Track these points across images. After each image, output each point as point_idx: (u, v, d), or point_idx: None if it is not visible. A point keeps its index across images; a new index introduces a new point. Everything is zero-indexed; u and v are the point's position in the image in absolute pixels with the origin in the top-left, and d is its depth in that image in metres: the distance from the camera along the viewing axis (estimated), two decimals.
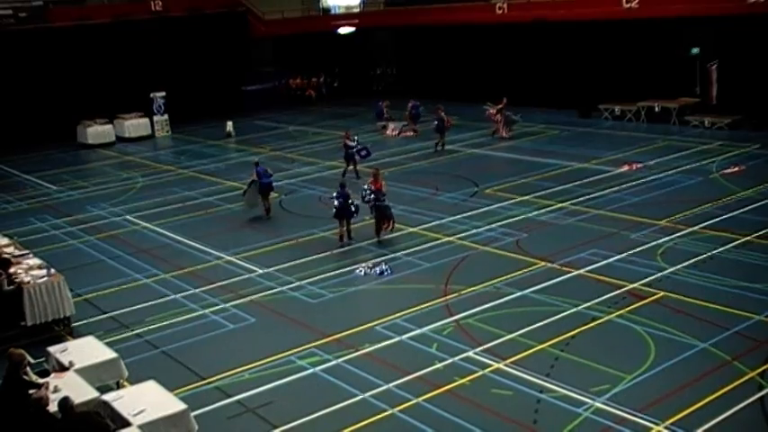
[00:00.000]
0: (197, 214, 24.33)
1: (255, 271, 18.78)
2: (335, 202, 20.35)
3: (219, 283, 18.09)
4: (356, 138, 27.54)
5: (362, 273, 18.16)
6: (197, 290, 17.78)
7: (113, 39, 40.04)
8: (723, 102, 32.82)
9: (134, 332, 15.74)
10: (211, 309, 16.67)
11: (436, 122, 31.10)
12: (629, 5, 34.55)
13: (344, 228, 20.47)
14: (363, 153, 27.13)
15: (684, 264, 17.30)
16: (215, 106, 42.21)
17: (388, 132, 35.37)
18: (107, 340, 14.68)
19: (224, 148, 35.53)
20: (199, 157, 33.55)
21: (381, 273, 18.09)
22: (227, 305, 16.81)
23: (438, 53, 44.60)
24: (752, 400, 11.68)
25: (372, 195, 20.12)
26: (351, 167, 27.05)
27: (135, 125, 39.08)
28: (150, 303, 17.16)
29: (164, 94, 39.76)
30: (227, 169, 30.66)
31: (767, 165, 25.58)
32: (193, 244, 21.22)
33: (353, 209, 20.37)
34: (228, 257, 19.91)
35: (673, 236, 19.18)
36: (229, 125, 38.37)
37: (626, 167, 26.14)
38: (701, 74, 33.79)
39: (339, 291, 17.22)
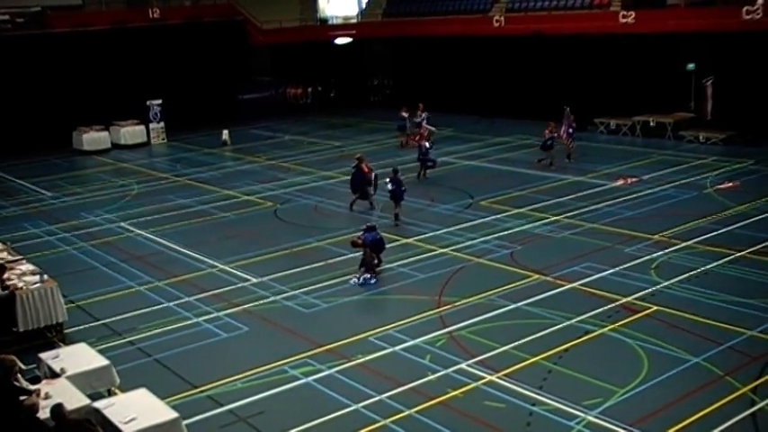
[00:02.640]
0: (192, 222, 24.30)
1: (249, 280, 18.76)
2: (389, 186, 22.68)
3: (213, 292, 18.06)
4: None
5: (354, 282, 18.16)
6: (190, 298, 17.75)
7: (110, 45, 40.10)
8: (718, 117, 32.97)
9: (126, 339, 15.70)
10: (204, 317, 16.64)
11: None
12: (625, 20, 34.71)
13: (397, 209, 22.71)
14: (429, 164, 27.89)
15: (678, 278, 17.33)
16: (211, 114, 42.25)
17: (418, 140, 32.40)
18: (99, 347, 14.65)
19: (220, 157, 35.53)
20: (194, 165, 33.54)
21: (365, 282, 18.07)
22: (221, 314, 16.78)
23: (435, 65, 44.67)
24: (744, 416, 11.70)
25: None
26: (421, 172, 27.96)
27: (131, 132, 39.05)
28: (143, 311, 17.13)
29: (160, 101, 39.76)
30: (222, 177, 30.65)
31: (762, 180, 25.67)
32: (188, 252, 21.20)
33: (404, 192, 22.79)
34: (223, 266, 19.89)
35: (667, 250, 19.22)
36: (225, 133, 38.39)
37: (621, 181, 26.20)
38: (697, 89, 33.93)
39: (333, 301, 17.21)
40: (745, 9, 31.10)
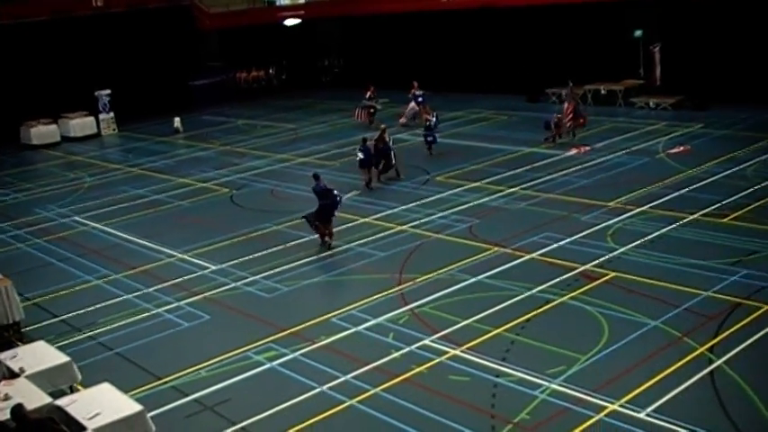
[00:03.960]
0: (147, 212, 24.04)
1: (209, 267, 18.63)
2: (360, 155, 23.57)
3: (172, 282, 17.91)
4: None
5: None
6: (150, 289, 17.58)
7: (54, 36, 39.20)
8: (667, 83, 33.36)
9: (86, 335, 15.51)
10: (165, 308, 16.50)
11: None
12: None
13: (368, 176, 23.73)
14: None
15: (634, 244, 17.56)
16: (162, 102, 41.61)
17: (402, 120, 32.70)
18: (59, 344, 14.47)
19: (172, 145, 35.14)
20: (147, 154, 33.13)
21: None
22: (181, 303, 16.65)
23: (385, 42, 44.56)
24: (702, 375, 11.93)
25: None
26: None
27: (80, 124, 38.41)
28: (102, 305, 16.93)
29: (109, 91, 39.14)
30: (176, 166, 30.33)
31: (711, 143, 26.06)
32: (145, 243, 20.98)
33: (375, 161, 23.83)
34: (181, 255, 19.72)
35: (622, 217, 19.46)
36: (177, 121, 37.95)
37: (574, 151, 26.42)
38: (645, 56, 34.26)
39: (294, 284, 17.16)
40: None
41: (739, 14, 30.84)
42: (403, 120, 31.26)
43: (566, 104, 28.72)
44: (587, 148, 26.53)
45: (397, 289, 16.31)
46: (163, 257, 19.72)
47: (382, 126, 26.42)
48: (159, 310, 16.41)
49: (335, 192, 19.45)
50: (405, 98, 33.88)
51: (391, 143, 25.25)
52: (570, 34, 35.89)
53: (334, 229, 19.59)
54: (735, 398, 11.30)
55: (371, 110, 33.94)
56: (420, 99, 32.92)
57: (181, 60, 43.98)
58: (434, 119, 28.13)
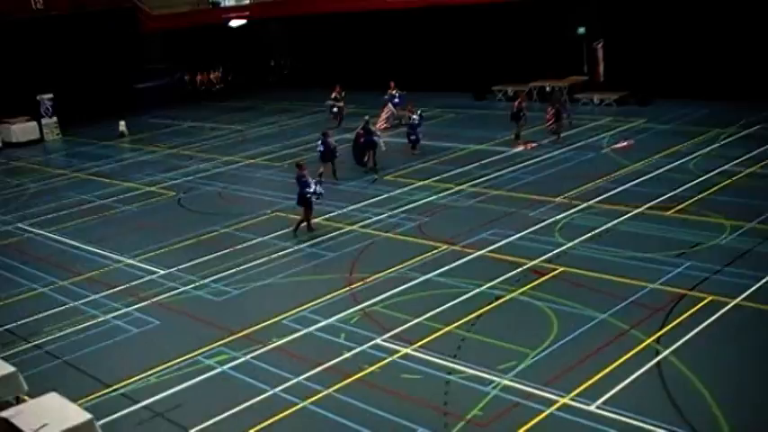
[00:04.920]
0: (93, 218, 23.68)
1: (157, 272, 18.41)
2: (320, 148, 24.01)
3: (120, 287, 17.66)
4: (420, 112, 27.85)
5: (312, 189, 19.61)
6: (97, 295, 17.31)
7: None
8: (610, 79, 33.88)
9: (32, 344, 15.21)
10: (113, 314, 16.26)
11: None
12: None
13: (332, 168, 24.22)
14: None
15: (581, 238, 17.79)
16: (106, 106, 41.02)
17: (381, 120, 31.16)
18: (3, 354, 14.19)
19: (118, 149, 34.68)
20: (92, 158, 32.63)
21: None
22: (130, 309, 16.43)
23: (332, 42, 44.53)
24: (650, 366, 12.13)
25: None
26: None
27: (22, 129, 37.69)
28: (48, 313, 16.62)
29: (51, 95, 38.51)
30: (122, 170, 29.94)
31: (654, 138, 26.52)
32: (91, 248, 20.66)
33: (336, 154, 24.47)
34: (128, 260, 19.46)
35: (569, 212, 19.69)
36: (122, 124, 37.45)
37: (521, 147, 26.66)
38: (588, 53, 34.72)
39: (244, 287, 17.05)
40: None
41: (680, 11, 31.42)
42: (382, 125, 30.06)
43: (548, 108, 28.35)
44: (534, 144, 26.79)
45: (347, 289, 16.30)
46: (110, 263, 19.44)
47: (366, 118, 26.51)
48: (107, 316, 16.18)
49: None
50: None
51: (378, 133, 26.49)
52: (515, 32, 36.26)
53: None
54: (681, 387, 11.51)
55: (334, 109, 33.48)
56: (396, 101, 32.01)
57: (124, 63, 43.40)
58: (418, 116, 27.48)
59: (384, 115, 30.88)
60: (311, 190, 19.83)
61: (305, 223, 20.06)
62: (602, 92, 33.60)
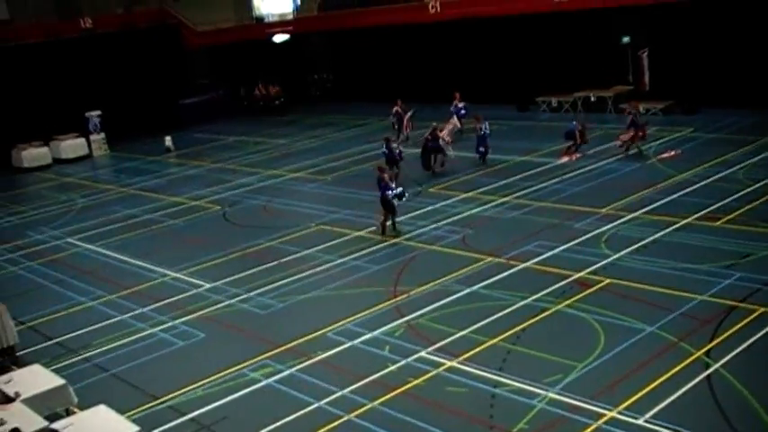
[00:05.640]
0: (140, 232, 23.99)
1: (203, 286, 18.58)
2: (384, 151, 24.81)
3: (166, 301, 17.85)
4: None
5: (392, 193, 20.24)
6: (144, 309, 17.52)
7: (44, 58, 39.24)
8: (656, 88, 33.44)
9: (81, 356, 15.44)
10: (160, 327, 16.44)
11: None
12: None
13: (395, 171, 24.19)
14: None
15: (628, 250, 17.56)
16: (152, 122, 41.61)
17: (446, 131, 29.52)
18: (54, 367, 14.41)
19: (164, 164, 35.12)
20: (139, 173, 33.11)
21: (402, 194, 20.47)
22: (176, 322, 16.60)
23: (374, 55, 44.67)
24: (699, 379, 11.91)
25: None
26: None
27: (71, 146, 38.39)
28: (97, 326, 16.86)
29: (99, 112, 39.19)
30: (168, 184, 30.32)
31: (701, 147, 26.12)
32: (138, 262, 20.92)
33: (400, 157, 25.12)
34: (175, 274, 19.67)
35: (615, 223, 19.46)
36: (168, 140, 37.93)
37: (566, 158, 26.44)
38: (633, 62, 34.37)
39: (288, 300, 17.12)
40: None
41: (725, 18, 30.97)
42: (447, 138, 28.83)
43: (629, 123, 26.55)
44: (578, 155, 26.54)
45: (392, 302, 16.28)
46: (157, 277, 19.67)
47: (434, 124, 27.02)
48: (154, 329, 16.36)
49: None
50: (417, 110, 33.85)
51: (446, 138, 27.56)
52: (558, 42, 36.00)
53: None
54: (732, 401, 11.29)
55: (395, 125, 32.50)
56: (463, 112, 31.53)
57: (170, 79, 44.02)
58: (486, 128, 27.20)
59: (449, 126, 30.58)
60: (393, 192, 20.43)
61: (389, 222, 20.68)
62: (647, 101, 33.17)
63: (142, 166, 35.01)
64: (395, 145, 25.61)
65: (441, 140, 26.84)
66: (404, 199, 20.93)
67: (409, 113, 32.00)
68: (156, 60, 43.28)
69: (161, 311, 17.28)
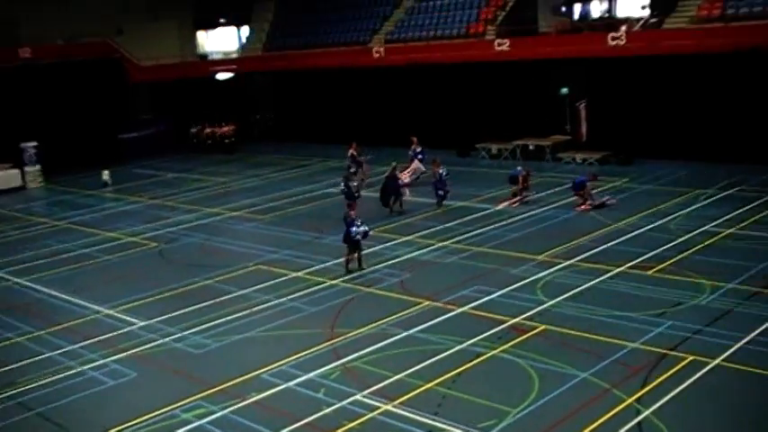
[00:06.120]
0: (73, 267, 23.51)
1: (136, 323, 18.24)
2: (342, 188, 26.70)
3: (98, 338, 17.46)
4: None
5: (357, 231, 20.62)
6: (74, 346, 17.10)
7: None
8: (593, 138, 34.25)
9: (5, 394, 14.96)
10: (90, 365, 16.05)
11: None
12: (500, 48, 35.75)
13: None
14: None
15: (563, 296, 17.79)
16: (91, 155, 41.03)
17: (406, 174, 29.88)
18: None
19: (101, 198, 34.59)
20: (74, 207, 32.52)
21: (366, 233, 21.03)
22: (107, 360, 16.23)
23: (317, 97, 44.91)
24: (630, 426, 12.05)
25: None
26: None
27: (4, 176, 37.63)
28: (23, 363, 16.38)
29: (35, 143, 38.52)
30: (104, 219, 29.84)
31: (636, 197, 26.73)
32: (70, 298, 20.47)
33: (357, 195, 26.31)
34: (108, 310, 19.28)
35: (551, 270, 19.73)
36: (106, 174, 37.38)
37: (504, 204, 26.79)
38: (571, 112, 35.17)
39: (224, 339, 16.90)
40: (610, 35, 32.61)
41: (661, 73, 31.96)
42: (406, 178, 29.20)
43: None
44: (516, 202, 26.90)
45: (328, 343, 16.19)
46: (89, 313, 19.25)
47: (393, 164, 27.96)
48: (84, 367, 15.96)
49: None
50: (342, 152, 33.97)
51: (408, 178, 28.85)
52: (499, 91, 36.73)
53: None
54: None
55: (352, 169, 31.95)
56: (420, 156, 31.59)
57: (111, 113, 43.56)
58: (444, 171, 27.50)
59: (412, 167, 30.67)
60: (357, 230, 20.77)
61: (354, 261, 21.01)
62: (584, 151, 33.95)
63: (78, 199, 34.42)
64: (354, 183, 26.40)
65: (400, 181, 27.47)
66: (367, 237, 21.31)
67: (366, 159, 31.85)
68: (96, 93, 42.82)
69: (92, 349, 16.88)
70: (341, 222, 25.64)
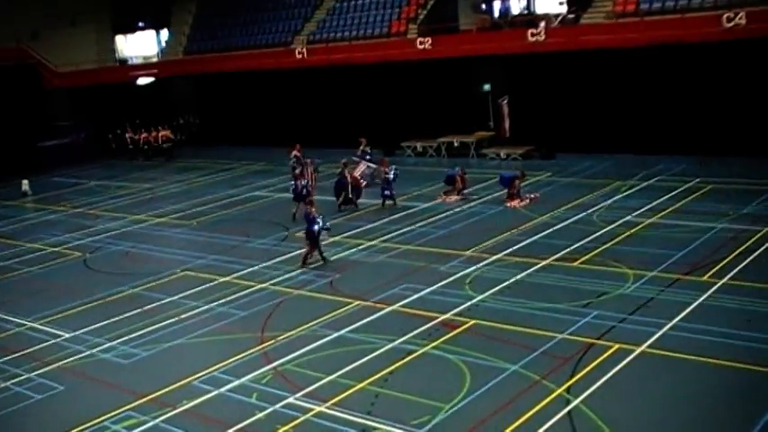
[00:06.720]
0: None
1: (62, 335, 17.84)
2: (292, 187, 26.59)
3: (22, 352, 17.02)
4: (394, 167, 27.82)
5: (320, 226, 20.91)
6: None
7: None
8: (516, 134, 34.74)
9: None
10: (14, 380, 15.63)
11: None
12: (422, 46, 36.04)
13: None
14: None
15: (491, 291, 18.02)
16: (8, 165, 39.89)
17: (356, 174, 29.49)
18: None
19: (20, 209, 33.71)
20: None
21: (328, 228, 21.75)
22: (32, 375, 15.83)
23: (241, 99, 44.53)
24: (561, 415, 12.27)
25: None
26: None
27: None
28: None
29: None
30: (24, 230, 29.09)
31: (559, 190, 27.24)
32: None
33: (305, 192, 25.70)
34: (31, 323, 18.81)
35: (479, 265, 19.96)
36: (25, 184, 36.45)
37: (439, 199, 27.05)
38: (494, 109, 35.62)
39: (153, 348, 16.65)
40: (529, 32, 33.14)
41: (581, 69, 32.60)
42: (361, 181, 28.98)
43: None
44: (459, 197, 26.99)
45: (259, 348, 16.09)
46: (11, 327, 18.75)
47: (343, 161, 28.48)
48: (7, 383, 15.53)
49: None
50: (267, 155, 33.70)
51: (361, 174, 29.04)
52: (423, 89, 36.97)
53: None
54: None
55: (297, 170, 30.43)
56: (368, 156, 31.46)
57: (27, 120, 42.43)
58: (393, 173, 27.28)
59: (360, 169, 30.35)
60: (319, 227, 21.09)
61: (312, 256, 21.29)
62: (508, 147, 34.42)
63: None
64: (304, 182, 26.45)
65: (351, 181, 27.60)
66: (328, 232, 22.12)
67: (312, 167, 31.20)
68: (11, 101, 41.67)
69: (16, 363, 16.45)
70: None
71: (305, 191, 25.83)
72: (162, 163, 41.98)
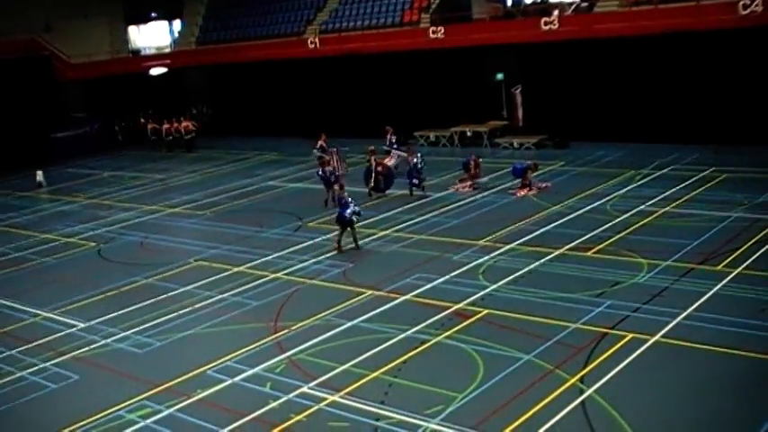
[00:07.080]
0: (9, 271, 23.02)
1: (77, 325, 17.94)
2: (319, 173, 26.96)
3: (38, 342, 17.13)
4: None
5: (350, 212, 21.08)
6: (12, 351, 16.75)
7: None
8: (529, 123, 34.63)
9: None
10: (30, 370, 15.75)
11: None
12: (435, 36, 35.93)
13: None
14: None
15: (505, 280, 18.00)
16: (23, 156, 40.10)
17: (389, 162, 29.45)
18: None
19: (35, 199, 33.89)
20: (7, 209, 31.77)
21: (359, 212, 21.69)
22: (47, 364, 15.94)
23: (254, 89, 44.54)
24: (574, 405, 12.27)
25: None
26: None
27: None
28: None
29: None
30: (39, 221, 29.25)
31: (572, 180, 27.14)
32: (7, 303, 20.03)
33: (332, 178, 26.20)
34: (46, 314, 18.93)
35: (492, 254, 19.93)
36: (39, 174, 36.64)
37: (453, 188, 27.04)
38: (507, 98, 35.51)
39: (167, 338, 16.73)
40: (543, 20, 32.98)
41: (595, 57, 32.44)
42: (393, 168, 28.96)
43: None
44: (471, 186, 26.96)
45: (273, 337, 16.14)
46: (27, 317, 18.88)
47: (371, 148, 28.78)
48: (23, 372, 15.65)
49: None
50: (289, 145, 33.57)
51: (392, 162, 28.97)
52: (436, 79, 36.87)
53: None
54: (606, 425, 11.66)
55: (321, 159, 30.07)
56: (396, 146, 31.14)
57: (41, 112, 42.60)
58: (419, 160, 27.12)
59: (394, 158, 29.95)
60: (350, 210, 21.27)
61: (345, 240, 21.52)
62: (521, 136, 34.32)
63: (11, 201, 33.66)
64: (330, 168, 26.82)
65: (380, 168, 27.86)
66: (360, 216, 21.98)
67: (338, 155, 31.05)
68: (25, 92, 41.84)
69: (31, 353, 16.56)
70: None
71: (333, 177, 26.24)
72: (181, 154, 41.96)
